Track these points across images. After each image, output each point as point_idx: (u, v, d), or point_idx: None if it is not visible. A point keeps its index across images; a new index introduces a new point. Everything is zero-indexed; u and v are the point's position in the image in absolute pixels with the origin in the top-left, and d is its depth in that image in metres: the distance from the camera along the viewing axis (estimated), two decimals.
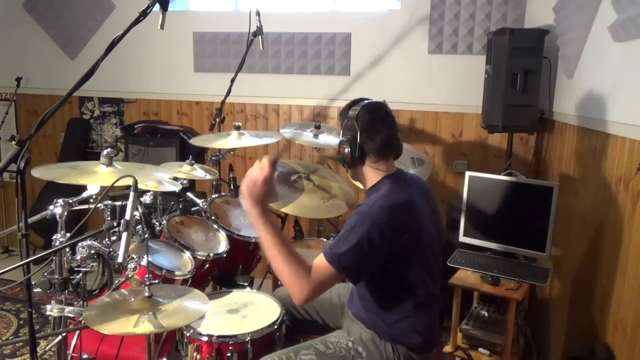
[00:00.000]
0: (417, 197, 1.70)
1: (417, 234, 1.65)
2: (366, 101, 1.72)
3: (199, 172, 2.57)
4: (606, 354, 1.83)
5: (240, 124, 2.73)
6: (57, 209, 1.76)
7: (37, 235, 3.85)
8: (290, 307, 1.92)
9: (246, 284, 2.30)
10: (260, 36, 2.89)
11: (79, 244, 1.75)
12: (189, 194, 2.52)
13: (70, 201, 1.80)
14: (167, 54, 3.88)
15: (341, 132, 1.74)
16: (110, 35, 1.46)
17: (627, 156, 1.82)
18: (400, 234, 1.58)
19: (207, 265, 2.26)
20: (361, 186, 1.80)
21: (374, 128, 1.68)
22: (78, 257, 1.75)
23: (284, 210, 2.56)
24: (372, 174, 1.72)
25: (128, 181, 1.47)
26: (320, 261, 1.56)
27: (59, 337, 1.77)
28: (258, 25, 2.88)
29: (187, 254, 2.19)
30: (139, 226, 2.01)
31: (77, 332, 1.90)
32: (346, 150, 1.67)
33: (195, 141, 2.65)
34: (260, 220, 1.61)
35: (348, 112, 1.71)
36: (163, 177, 1.94)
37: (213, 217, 2.47)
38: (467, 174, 2.51)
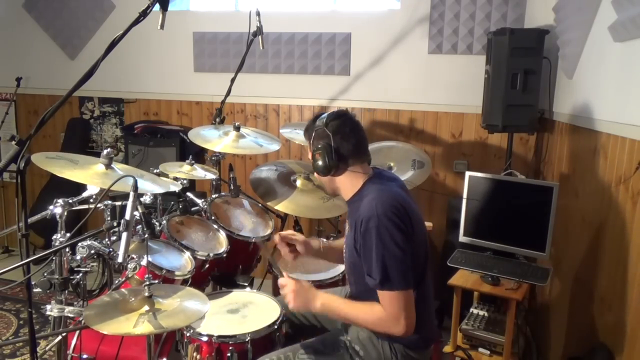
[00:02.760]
0: (403, 191, 1.72)
1: (418, 226, 1.66)
2: (332, 111, 1.74)
3: (199, 172, 2.57)
4: (606, 355, 1.83)
5: (239, 123, 2.73)
6: (57, 209, 1.76)
7: (37, 235, 3.85)
8: (289, 314, 1.92)
9: (246, 284, 2.30)
10: (260, 36, 2.89)
11: (79, 244, 1.75)
12: (189, 194, 2.52)
13: (70, 201, 1.79)
14: (167, 54, 3.88)
15: (311, 145, 1.72)
16: (110, 35, 1.45)
17: (627, 156, 1.82)
18: (409, 223, 1.59)
19: (207, 265, 2.26)
20: (344, 197, 1.77)
21: (346, 130, 1.68)
22: (78, 257, 1.75)
23: (285, 210, 2.56)
24: (352, 180, 1.70)
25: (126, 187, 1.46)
26: (381, 297, 1.58)
27: (59, 337, 1.77)
28: (258, 25, 2.88)
29: (187, 254, 2.19)
30: (139, 226, 2.01)
31: (77, 332, 1.90)
32: (323, 157, 1.66)
33: (194, 137, 2.64)
34: (323, 307, 1.68)
35: (314, 124, 1.71)
36: (160, 189, 1.90)
37: (213, 217, 2.47)
38: (467, 174, 2.51)
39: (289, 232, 1.94)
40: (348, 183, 1.71)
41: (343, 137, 1.66)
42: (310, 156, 1.73)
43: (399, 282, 1.55)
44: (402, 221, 1.57)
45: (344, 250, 1.81)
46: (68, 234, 1.74)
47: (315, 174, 1.74)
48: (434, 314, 1.82)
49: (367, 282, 1.60)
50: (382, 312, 1.58)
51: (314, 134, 1.70)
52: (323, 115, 1.71)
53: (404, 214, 1.59)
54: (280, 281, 1.74)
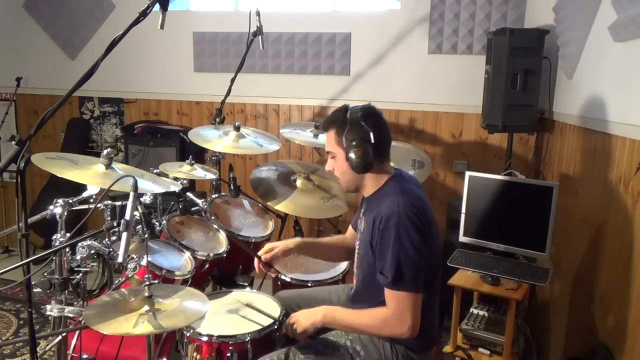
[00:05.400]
0: (421, 192, 1.73)
1: (434, 229, 1.67)
2: (355, 105, 1.69)
3: (199, 172, 2.57)
4: (606, 354, 1.83)
5: (239, 123, 2.73)
6: (57, 209, 1.76)
7: (37, 235, 3.85)
8: (291, 312, 1.92)
9: (246, 284, 2.30)
10: (260, 36, 2.89)
11: (79, 244, 1.75)
12: (189, 194, 2.52)
13: (70, 201, 1.79)
14: (167, 54, 3.88)
15: (343, 140, 1.66)
16: (110, 35, 1.46)
17: (627, 156, 1.82)
18: (428, 225, 1.60)
19: (207, 265, 2.26)
20: (365, 193, 1.77)
21: (382, 125, 1.67)
22: (78, 257, 1.75)
23: (285, 210, 2.56)
24: (376, 177, 1.70)
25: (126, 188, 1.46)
26: (389, 296, 1.58)
27: (59, 337, 1.77)
28: (258, 25, 2.88)
29: (187, 254, 2.19)
30: (139, 226, 2.01)
31: (77, 332, 1.90)
32: (365, 154, 1.61)
33: (194, 137, 2.64)
34: (325, 318, 1.68)
35: (346, 118, 1.65)
36: (160, 189, 1.90)
37: (213, 217, 2.47)
38: (467, 174, 2.51)
39: (265, 254, 1.88)
40: (373, 180, 1.71)
41: (380, 133, 1.64)
42: (338, 151, 1.68)
43: (410, 283, 1.55)
44: (422, 223, 1.57)
45: (357, 247, 1.81)
46: (68, 234, 1.74)
47: (347, 171, 1.70)
48: (437, 317, 1.82)
49: (378, 279, 1.60)
50: (387, 312, 1.58)
51: (348, 128, 1.64)
52: (355, 109, 1.66)
53: (424, 216, 1.59)
54: (284, 328, 1.76)
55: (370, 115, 1.66)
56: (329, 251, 2.03)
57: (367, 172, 1.68)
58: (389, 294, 1.58)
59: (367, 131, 1.62)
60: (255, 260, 1.91)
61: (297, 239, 1.93)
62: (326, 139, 1.73)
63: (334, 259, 2.10)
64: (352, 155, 1.63)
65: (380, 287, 1.61)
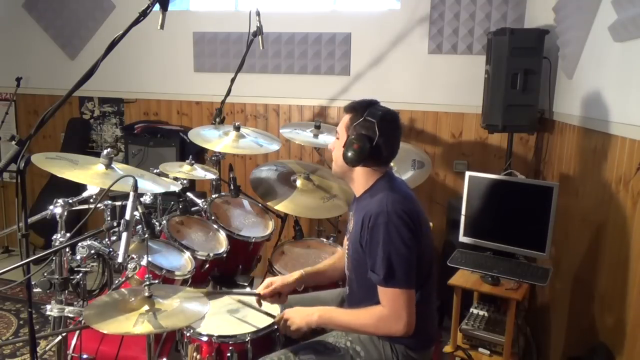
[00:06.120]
0: (410, 191, 1.74)
1: (425, 227, 1.67)
2: (383, 106, 1.70)
3: (199, 172, 2.57)
4: (606, 354, 1.83)
5: (239, 123, 2.73)
6: (57, 209, 1.76)
7: (37, 235, 3.85)
8: None
9: (246, 284, 2.30)
10: (260, 36, 2.89)
11: (79, 244, 1.75)
12: (189, 194, 2.52)
13: (70, 201, 1.80)
14: (167, 54, 3.88)
15: (351, 127, 1.66)
16: (110, 35, 1.46)
17: (627, 156, 1.82)
18: (418, 223, 1.61)
19: (207, 265, 2.26)
20: (355, 192, 1.78)
21: (394, 136, 1.69)
22: (78, 257, 1.75)
23: (285, 210, 2.56)
24: (367, 176, 1.71)
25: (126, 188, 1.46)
26: (383, 294, 1.58)
27: (59, 337, 1.77)
28: (258, 25, 2.88)
29: (187, 254, 2.19)
30: (139, 226, 2.01)
31: (77, 332, 1.90)
32: (359, 150, 1.62)
33: (194, 137, 2.64)
34: (320, 319, 1.68)
35: (365, 111, 1.66)
36: (160, 189, 1.89)
37: (213, 217, 2.47)
38: (467, 174, 2.51)
39: (265, 288, 1.84)
40: (362, 178, 1.71)
41: (386, 141, 1.65)
42: (343, 135, 1.69)
43: (403, 280, 1.55)
44: (411, 220, 1.58)
45: (347, 247, 1.82)
46: (68, 234, 1.74)
47: (340, 157, 1.70)
48: (436, 315, 1.82)
49: (371, 277, 1.60)
50: (383, 311, 1.58)
51: (361, 121, 1.65)
52: (378, 108, 1.67)
53: (413, 213, 1.60)
54: (276, 322, 1.75)
55: (387, 121, 1.66)
56: (330, 273, 2.00)
57: (353, 167, 1.69)
58: (382, 291, 1.59)
59: (374, 133, 1.62)
60: (255, 298, 1.86)
61: (297, 273, 1.89)
62: (342, 120, 1.75)
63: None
64: (347, 146, 1.65)
65: (375, 286, 1.62)
